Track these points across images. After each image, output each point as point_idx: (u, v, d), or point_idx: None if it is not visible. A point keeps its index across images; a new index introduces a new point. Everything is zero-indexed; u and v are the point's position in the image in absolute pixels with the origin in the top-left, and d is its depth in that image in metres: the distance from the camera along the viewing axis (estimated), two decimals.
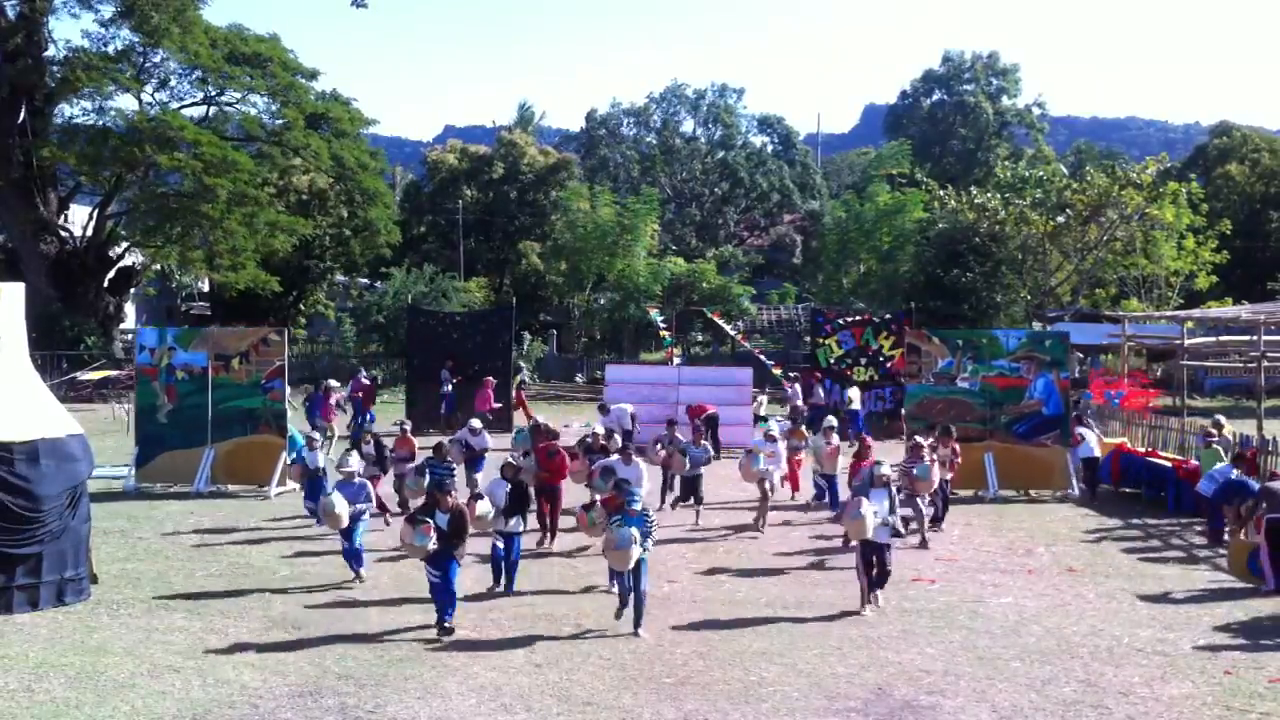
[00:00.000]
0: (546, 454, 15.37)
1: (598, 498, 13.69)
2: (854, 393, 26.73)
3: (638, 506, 11.29)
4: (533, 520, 14.03)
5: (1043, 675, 10.08)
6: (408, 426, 18.21)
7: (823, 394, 27.48)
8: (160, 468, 19.46)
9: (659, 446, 17.88)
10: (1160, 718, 9.16)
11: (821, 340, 28.25)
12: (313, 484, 16.15)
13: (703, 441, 17.14)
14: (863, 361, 27.76)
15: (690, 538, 15.92)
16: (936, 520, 16.06)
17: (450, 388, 27.60)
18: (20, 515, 11.84)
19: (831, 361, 27.82)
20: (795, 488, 18.94)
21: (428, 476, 14.94)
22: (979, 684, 9.87)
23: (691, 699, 9.44)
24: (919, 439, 16.07)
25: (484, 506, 12.21)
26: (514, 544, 12.81)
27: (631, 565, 10.96)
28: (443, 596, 11.21)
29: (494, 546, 12.78)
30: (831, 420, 18.40)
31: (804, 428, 20.61)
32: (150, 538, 15.66)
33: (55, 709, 9.22)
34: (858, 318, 28.85)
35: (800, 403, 27.53)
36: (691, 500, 16.88)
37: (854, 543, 12.35)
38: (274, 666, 10.25)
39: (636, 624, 11.08)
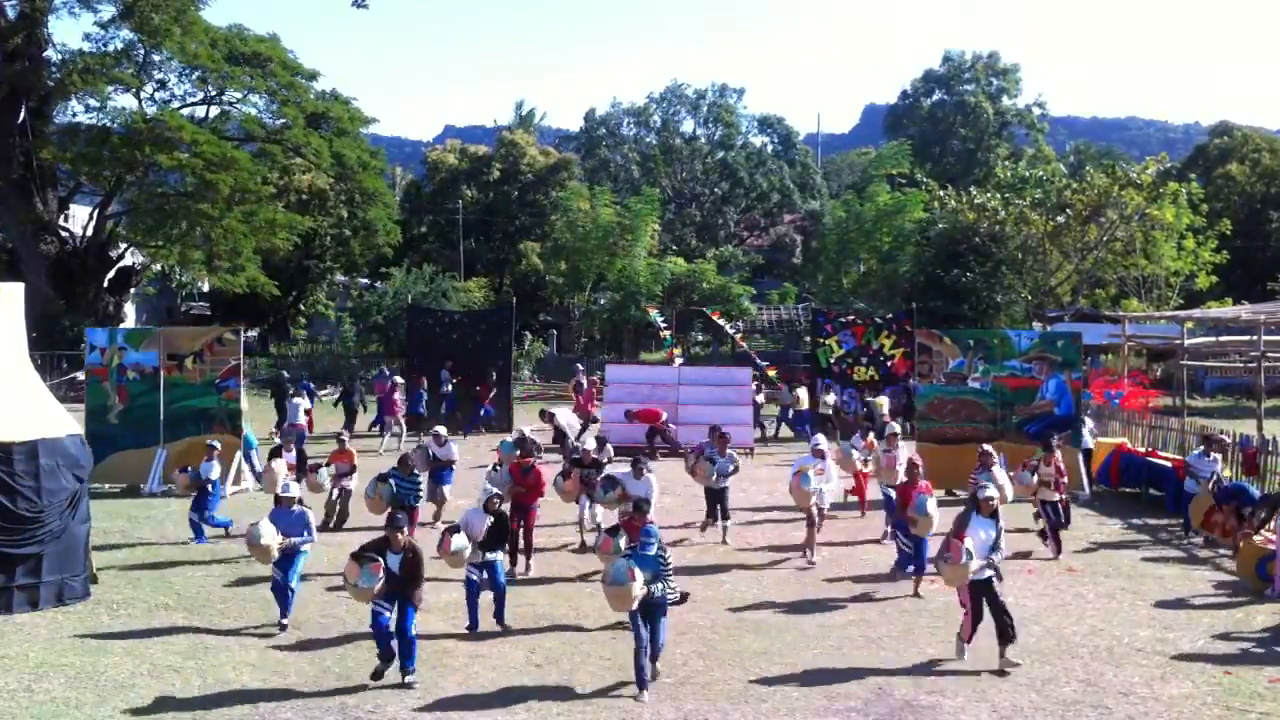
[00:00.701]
0: (521, 470, 14.07)
1: (616, 520, 12.30)
2: (801, 393, 26.77)
3: (652, 551, 9.74)
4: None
5: (1043, 675, 10.08)
6: (345, 437, 16.87)
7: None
8: (112, 468, 19.08)
9: (693, 456, 15.99)
10: (1160, 718, 9.16)
11: (822, 340, 28.23)
12: (199, 497, 15.34)
13: (729, 451, 15.60)
14: (864, 361, 27.73)
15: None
16: (1056, 547, 14.70)
17: (450, 388, 27.59)
18: (20, 515, 11.85)
19: (832, 361, 27.80)
20: (863, 504, 17.24)
21: (393, 486, 13.81)
22: (979, 684, 9.88)
23: (691, 699, 9.44)
24: (987, 446, 14.77)
25: (459, 541, 11.00)
26: (495, 570, 11.41)
27: (633, 606, 9.41)
28: (386, 643, 9.70)
29: (468, 580, 11.30)
30: (895, 427, 16.49)
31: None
32: (150, 538, 15.64)
33: (55, 709, 9.23)
34: (857, 320, 28.74)
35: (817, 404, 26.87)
36: (718, 517, 15.51)
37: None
38: (274, 666, 10.26)
39: (653, 659, 9.72)
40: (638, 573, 9.39)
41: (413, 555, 9.86)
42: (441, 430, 16.90)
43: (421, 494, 14.83)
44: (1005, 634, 10.14)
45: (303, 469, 15.34)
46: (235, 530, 15.08)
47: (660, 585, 9.64)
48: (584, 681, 9.91)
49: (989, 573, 10.13)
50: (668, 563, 9.88)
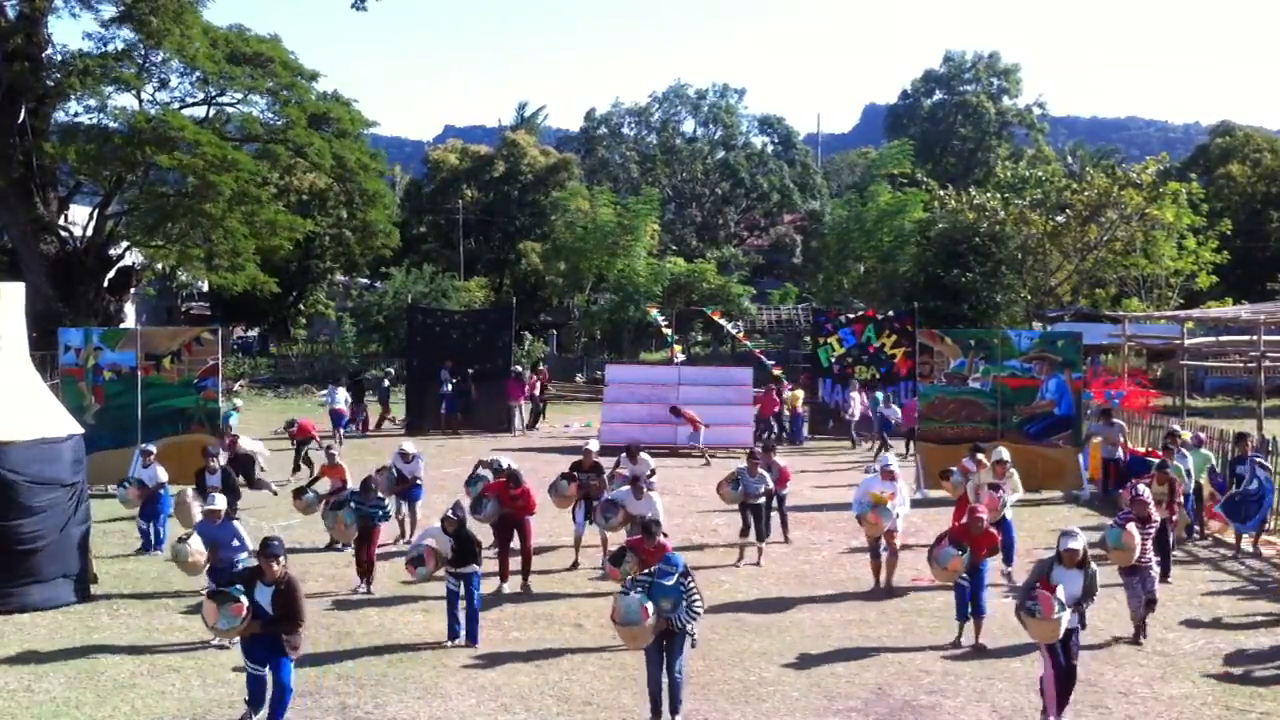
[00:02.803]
0: (510, 497, 12.98)
1: (623, 542, 11.37)
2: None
3: (671, 581, 8.82)
4: (489, 564, 12.19)
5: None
6: (335, 453, 15.69)
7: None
8: (90, 468, 19.03)
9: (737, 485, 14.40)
10: (1160, 718, 9.16)
11: (822, 340, 28.24)
12: (148, 505, 14.89)
13: (760, 471, 14.26)
14: (864, 359, 27.74)
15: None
16: (1163, 573, 12.84)
17: (450, 388, 27.61)
18: (20, 515, 11.85)
19: (832, 361, 27.80)
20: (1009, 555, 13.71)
21: (349, 513, 12.73)
22: (979, 684, 9.88)
23: (691, 699, 9.43)
24: (1142, 489, 12.38)
25: (423, 572, 10.83)
26: (472, 582, 10.86)
27: (646, 643, 8.82)
28: (257, 689, 8.66)
29: (449, 590, 10.98)
30: (1004, 453, 14.04)
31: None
32: None
33: (55, 709, 9.23)
34: (856, 319, 28.71)
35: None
36: (751, 535, 14.23)
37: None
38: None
39: (674, 712, 8.93)
40: (650, 610, 8.68)
41: (287, 588, 8.49)
42: (408, 447, 15.60)
43: (388, 512, 13.67)
44: (1064, 691, 8.88)
45: (232, 493, 14.00)
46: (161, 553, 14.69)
47: (683, 614, 8.82)
48: (584, 681, 9.92)
49: (1074, 621, 8.92)
50: (692, 591, 8.93)
